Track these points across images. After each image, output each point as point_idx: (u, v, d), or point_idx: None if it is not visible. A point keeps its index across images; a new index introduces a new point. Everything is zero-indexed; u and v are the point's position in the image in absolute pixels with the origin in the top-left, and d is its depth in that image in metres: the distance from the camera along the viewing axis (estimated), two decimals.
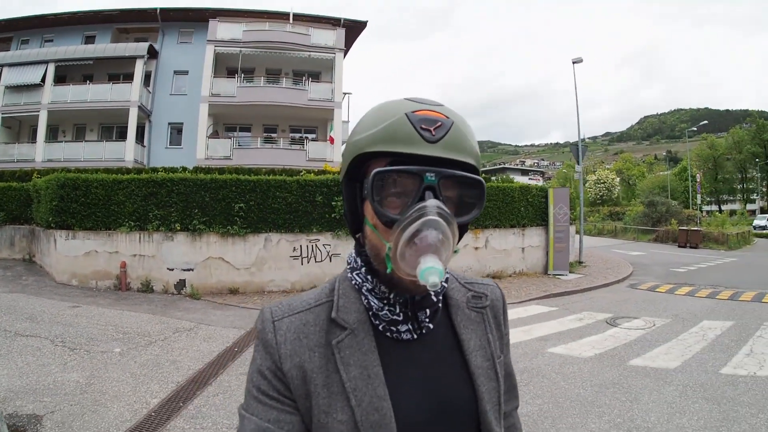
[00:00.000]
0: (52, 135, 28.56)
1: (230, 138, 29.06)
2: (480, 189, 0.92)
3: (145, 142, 28.80)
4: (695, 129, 76.23)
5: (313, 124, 31.11)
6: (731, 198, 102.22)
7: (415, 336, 0.99)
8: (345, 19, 30.44)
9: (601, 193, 68.96)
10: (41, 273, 13.22)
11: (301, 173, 13.58)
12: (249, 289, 12.16)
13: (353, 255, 1.05)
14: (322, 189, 12.57)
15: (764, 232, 45.33)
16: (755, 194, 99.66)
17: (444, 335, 1.04)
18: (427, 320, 1.00)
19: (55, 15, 30.19)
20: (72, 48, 28.27)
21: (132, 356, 6.63)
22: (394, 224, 0.85)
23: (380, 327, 0.98)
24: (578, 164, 20.27)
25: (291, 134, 31.18)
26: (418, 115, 0.89)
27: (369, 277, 0.98)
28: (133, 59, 27.77)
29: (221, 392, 5.51)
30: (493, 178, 17.68)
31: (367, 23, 31.32)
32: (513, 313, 10.29)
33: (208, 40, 28.25)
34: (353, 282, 1.01)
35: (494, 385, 1.04)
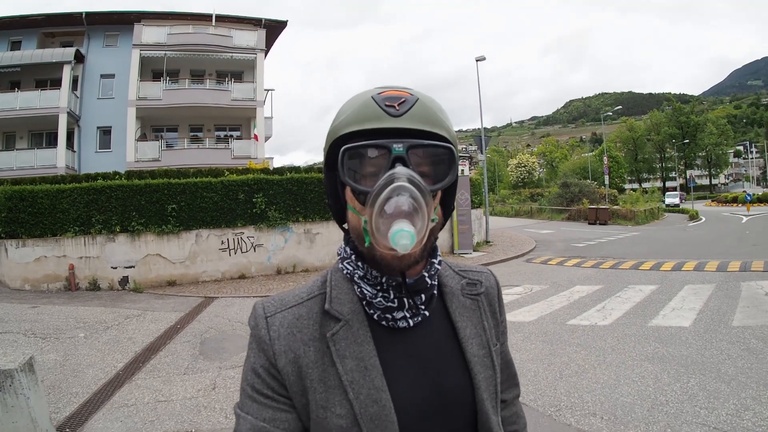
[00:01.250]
0: None
1: (158, 140, 29.83)
2: (450, 155, 0.92)
3: (75, 147, 29.18)
4: (611, 114, 79.96)
5: (237, 122, 32.23)
6: (651, 176, 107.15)
7: (411, 323, 0.98)
8: (266, 20, 31.56)
9: (522, 176, 72.06)
10: None
11: (225, 174, 15.14)
12: (185, 281, 13.76)
13: (342, 245, 1.05)
14: (243, 188, 14.33)
15: (677, 207, 48.50)
16: (674, 172, 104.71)
17: (439, 323, 1.03)
18: (422, 306, 0.99)
19: None
20: None
21: (95, 338, 8.23)
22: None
23: (375, 316, 0.97)
24: (482, 153, 22.55)
25: (216, 132, 32.25)
26: (382, 95, 0.92)
27: (360, 263, 0.98)
28: (60, 65, 28.04)
29: (170, 355, 7.25)
30: None
31: (287, 23, 32.41)
32: None
33: (133, 45, 28.84)
34: (345, 272, 1.01)
35: (490, 374, 1.03)
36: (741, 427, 4.40)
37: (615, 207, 37.01)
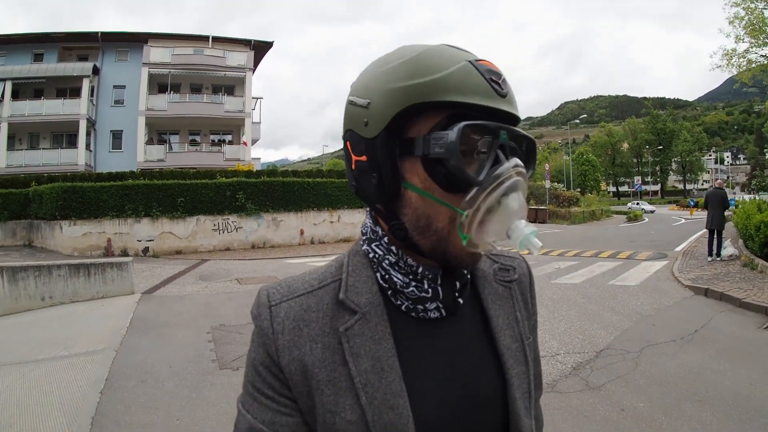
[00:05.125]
0: (10, 143, 33.19)
1: (163, 144, 35.52)
2: (534, 148, 0.86)
3: (91, 148, 34.40)
4: (577, 121, 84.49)
5: (229, 129, 38.08)
6: (628, 180, 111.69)
7: (444, 313, 0.87)
8: (255, 41, 37.53)
9: None
10: (47, 251, 19.29)
11: (217, 177, 21.05)
12: (188, 251, 19.44)
13: (369, 225, 0.91)
14: (230, 187, 20.17)
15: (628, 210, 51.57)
16: (649, 177, 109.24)
17: (470, 312, 0.93)
18: (456, 294, 0.89)
19: (8, 35, 34.78)
20: (26, 67, 33.25)
21: (137, 274, 13.62)
22: (470, 187, 0.74)
23: (403, 307, 0.87)
24: None
25: (211, 137, 38.09)
26: (482, 64, 0.78)
27: (393, 248, 0.86)
28: (80, 77, 33.19)
29: (182, 280, 13.02)
30: None
31: (273, 43, 38.67)
32: None
33: (143, 63, 34.30)
34: (371, 255, 0.89)
35: (524, 369, 0.94)
36: None
37: (556, 208, 41.22)
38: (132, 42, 35.53)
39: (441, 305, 0.87)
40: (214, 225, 20.10)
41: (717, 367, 5.81)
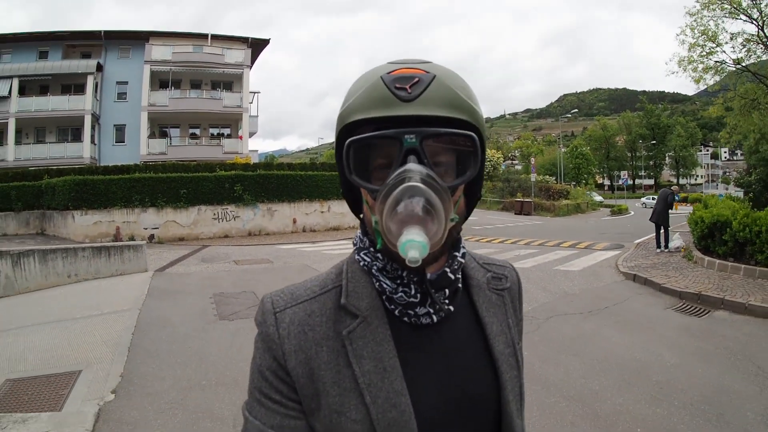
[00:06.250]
0: (17, 137, 34.50)
1: (165, 138, 37.10)
2: (471, 143, 0.81)
3: (96, 141, 35.99)
4: (569, 115, 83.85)
5: (227, 123, 39.53)
6: (619, 174, 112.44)
7: (435, 319, 0.92)
8: (252, 38, 38.98)
9: (486, 170, 77.88)
10: (59, 239, 20.85)
11: (216, 170, 22.81)
12: (190, 238, 21.11)
13: (359, 235, 0.98)
14: (228, 180, 21.90)
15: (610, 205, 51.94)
16: (642, 171, 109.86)
17: (465, 319, 0.98)
18: (446, 301, 0.93)
19: (13, 34, 35.97)
20: (32, 65, 34.61)
21: (147, 257, 15.66)
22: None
23: (396, 312, 0.91)
24: None
25: (211, 130, 39.60)
26: (393, 75, 0.81)
27: (378, 255, 0.91)
28: (84, 75, 34.75)
29: (187, 261, 14.72)
30: None
31: (270, 40, 40.05)
32: (334, 244, 19.38)
33: (145, 61, 35.75)
34: (362, 263, 0.94)
35: (515, 374, 0.99)
36: None
37: (541, 200, 42.15)
38: (134, 40, 36.85)
39: (431, 310, 0.91)
40: (214, 214, 21.74)
41: (606, 334, 7.03)
